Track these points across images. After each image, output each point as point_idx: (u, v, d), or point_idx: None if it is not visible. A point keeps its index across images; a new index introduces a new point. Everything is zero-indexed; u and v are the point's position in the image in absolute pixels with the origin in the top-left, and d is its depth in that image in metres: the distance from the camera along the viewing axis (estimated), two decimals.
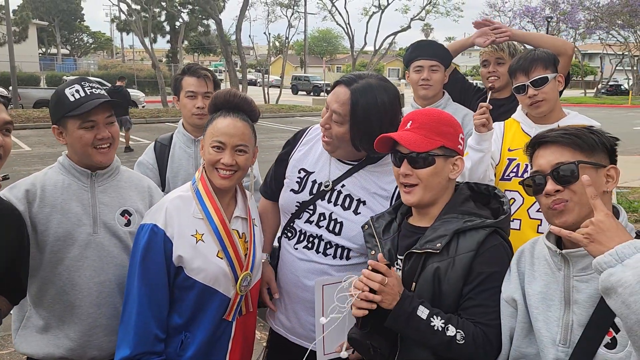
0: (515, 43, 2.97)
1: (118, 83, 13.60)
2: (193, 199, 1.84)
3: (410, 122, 1.63)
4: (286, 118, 22.21)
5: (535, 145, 1.48)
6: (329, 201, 1.95)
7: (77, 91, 1.89)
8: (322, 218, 1.94)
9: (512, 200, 2.32)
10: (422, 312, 1.50)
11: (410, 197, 1.62)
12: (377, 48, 27.31)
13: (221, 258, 1.81)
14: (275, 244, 2.18)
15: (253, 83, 40.88)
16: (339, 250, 1.92)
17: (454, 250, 1.55)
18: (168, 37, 43.65)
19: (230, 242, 1.83)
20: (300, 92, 42.44)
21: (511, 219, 2.29)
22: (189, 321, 1.84)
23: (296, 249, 2.00)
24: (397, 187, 1.78)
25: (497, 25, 2.90)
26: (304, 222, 1.99)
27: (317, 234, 1.95)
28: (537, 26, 35.78)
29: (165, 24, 41.68)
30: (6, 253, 1.76)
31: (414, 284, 1.60)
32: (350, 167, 1.96)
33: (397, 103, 1.87)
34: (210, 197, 1.84)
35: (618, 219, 1.34)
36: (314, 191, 1.98)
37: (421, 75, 2.79)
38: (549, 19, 31.45)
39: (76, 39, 57.18)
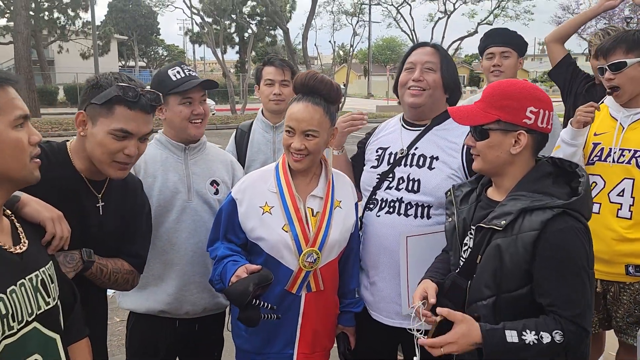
0: None
1: None
2: (272, 175, 1.99)
3: (482, 95, 1.67)
4: None
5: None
6: (405, 165, 2.07)
7: (178, 72, 2.11)
8: (401, 181, 2.05)
9: (594, 184, 2.27)
10: (512, 336, 1.45)
11: (474, 165, 1.66)
12: None
13: (286, 231, 1.89)
14: None
15: None
16: (419, 209, 2.00)
17: (518, 228, 1.50)
18: (237, 47, 45.42)
19: (297, 218, 1.90)
20: None
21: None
22: None
23: (378, 216, 2.07)
24: None
25: None
26: (385, 190, 2.09)
27: (397, 197, 2.04)
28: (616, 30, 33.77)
29: (234, 35, 43.37)
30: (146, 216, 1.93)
31: (479, 257, 1.60)
32: (419, 131, 2.11)
33: None
34: (286, 175, 1.94)
35: None
36: (391, 161, 2.11)
37: (492, 62, 2.81)
38: (629, 20, 29.60)
39: (152, 52, 60.32)
